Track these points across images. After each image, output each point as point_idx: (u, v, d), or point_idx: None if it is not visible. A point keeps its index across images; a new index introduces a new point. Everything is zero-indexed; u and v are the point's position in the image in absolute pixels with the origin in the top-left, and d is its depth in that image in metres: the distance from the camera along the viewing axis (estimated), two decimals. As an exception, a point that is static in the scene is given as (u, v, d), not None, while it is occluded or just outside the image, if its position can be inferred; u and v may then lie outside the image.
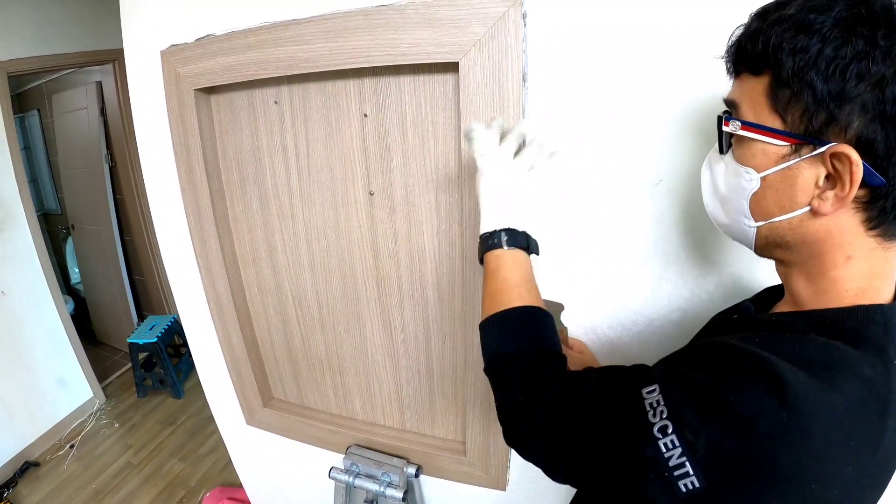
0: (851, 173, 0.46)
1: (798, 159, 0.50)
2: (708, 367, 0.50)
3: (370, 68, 0.97)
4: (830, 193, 0.49)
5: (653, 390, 0.51)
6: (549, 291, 1.01)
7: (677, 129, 0.82)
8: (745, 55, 0.53)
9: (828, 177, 0.49)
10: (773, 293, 0.71)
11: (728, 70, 0.58)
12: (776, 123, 0.51)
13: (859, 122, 0.46)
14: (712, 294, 0.91)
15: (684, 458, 0.46)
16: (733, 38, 0.55)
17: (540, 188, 0.79)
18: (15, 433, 2.96)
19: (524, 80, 0.86)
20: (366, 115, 1.04)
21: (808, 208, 0.51)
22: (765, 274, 0.86)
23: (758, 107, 0.52)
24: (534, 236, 0.76)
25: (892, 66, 0.44)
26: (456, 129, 0.97)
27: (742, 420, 0.44)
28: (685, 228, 0.88)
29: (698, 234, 0.87)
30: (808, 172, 0.50)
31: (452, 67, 0.90)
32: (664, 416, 0.48)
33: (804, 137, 0.49)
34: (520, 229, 0.73)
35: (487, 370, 0.70)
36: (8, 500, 2.63)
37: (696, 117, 0.80)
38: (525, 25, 0.83)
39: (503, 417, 0.67)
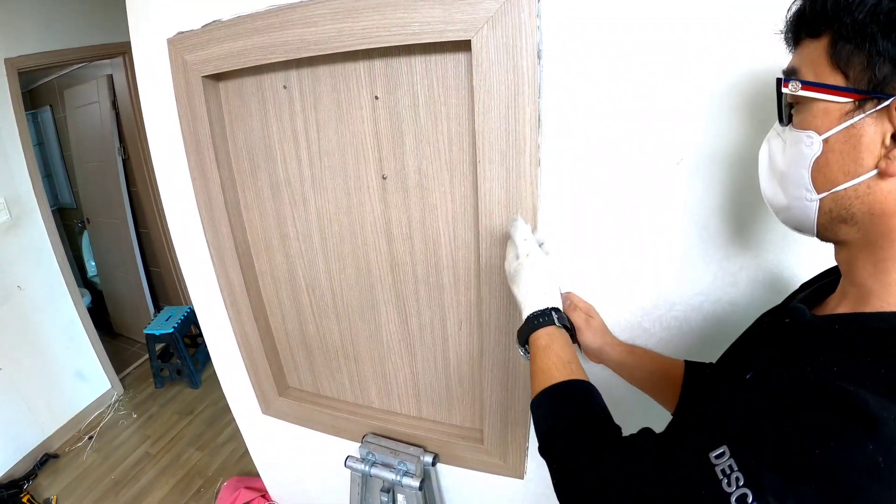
0: None
1: (862, 115, 0.47)
2: (783, 414, 0.45)
3: (380, 49, 0.95)
4: None
5: (722, 454, 0.46)
6: (568, 275, 0.99)
7: (702, 107, 0.79)
8: (804, 20, 0.52)
9: (894, 136, 0.46)
10: (821, 289, 0.65)
11: (787, 42, 0.56)
12: (838, 80, 0.49)
13: None
14: (736, 277, 0.89)
15: None
16: (793, 9, 0.54)
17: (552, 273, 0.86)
18: (34, 426, 3.00)
19: (539, 57, 0.84)
20: (377, 98, 1.02)
21: (875, 171, 0.48)
22: (791, 257, 0.84)
23: (818, 67, 0.50)
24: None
25: None
26: (469, 109, 0.94)
27: (834, 474, 0.40)
28: (710, 211, 0.85)
29: (723, 217, 0.85)
30: (874, 130, 0.47)
31: (465, 46, 0.88)
32: (741, 483, 0.43)
33: (868, 91, 0.47)
34: (561, 309, 0.81)
35: (542, 447, 0.67)
36: (28, 492, 2.67)
37: (721, 94, 0.77)
38: (539, 0, 0.81)
39: (565, 496, 0.63)
